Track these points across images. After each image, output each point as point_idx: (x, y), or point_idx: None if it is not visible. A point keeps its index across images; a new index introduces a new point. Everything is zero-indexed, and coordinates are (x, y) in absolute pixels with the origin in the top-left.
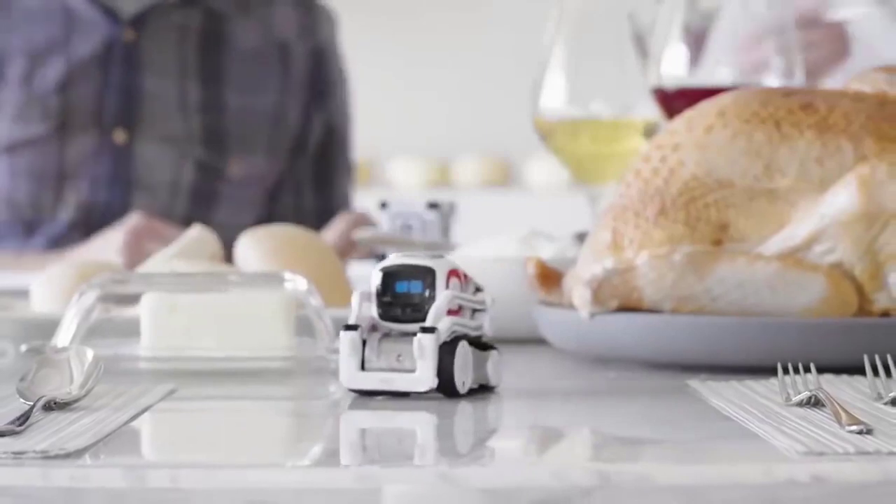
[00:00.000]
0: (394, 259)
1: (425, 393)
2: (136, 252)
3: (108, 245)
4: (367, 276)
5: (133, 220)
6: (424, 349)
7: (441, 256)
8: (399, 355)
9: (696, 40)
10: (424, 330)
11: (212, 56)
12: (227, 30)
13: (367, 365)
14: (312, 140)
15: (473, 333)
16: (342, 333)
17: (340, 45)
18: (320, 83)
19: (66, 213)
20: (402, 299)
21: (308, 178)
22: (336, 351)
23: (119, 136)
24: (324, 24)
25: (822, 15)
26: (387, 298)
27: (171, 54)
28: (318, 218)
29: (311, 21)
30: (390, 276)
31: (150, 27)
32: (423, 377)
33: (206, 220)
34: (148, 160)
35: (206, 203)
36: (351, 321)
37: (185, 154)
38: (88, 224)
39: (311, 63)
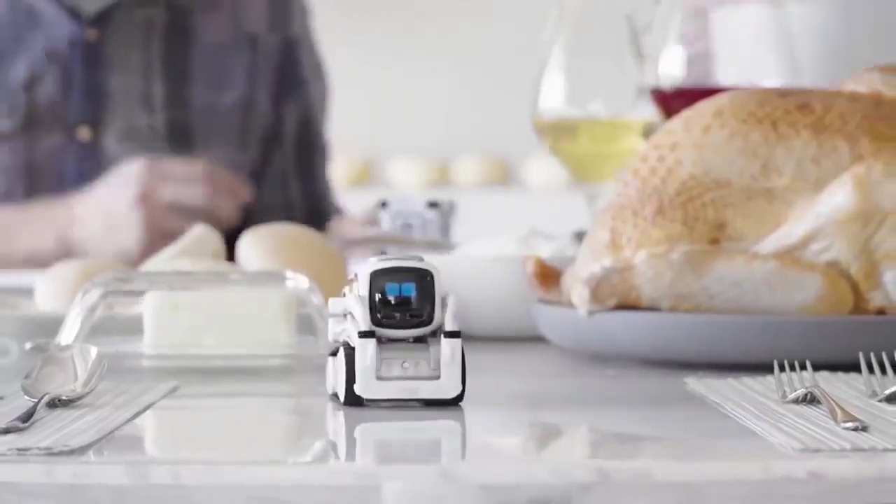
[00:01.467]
0: (383, 261)
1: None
2: (152, 207)
3: (118, 200)
4: None
5: (137, 167)
6: (455, 355)
7: (421, 258)
8: (403, 362)
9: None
10: (448, 335)
11: (177, 52)
12: (192, 24)
13: (377, 374)
14: (288, 131)
15: None
16: (360, 341)
17: (313, 35)
18: (292, 74)
19: None
20: (398, 303)
21: (291, 167)
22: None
23: (83, 134)
24: (296, 14)
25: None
26: (390, 302)
27: (135, 51)
28: (305, 206)
29: (283, 12)
30: (380, 279)
31: (113, 25)
32: (450, 384)
33: None
34: (113, 157)
35: None
36: (364, 327)
37: (150, 150)
38: None
39: (282, 54)
